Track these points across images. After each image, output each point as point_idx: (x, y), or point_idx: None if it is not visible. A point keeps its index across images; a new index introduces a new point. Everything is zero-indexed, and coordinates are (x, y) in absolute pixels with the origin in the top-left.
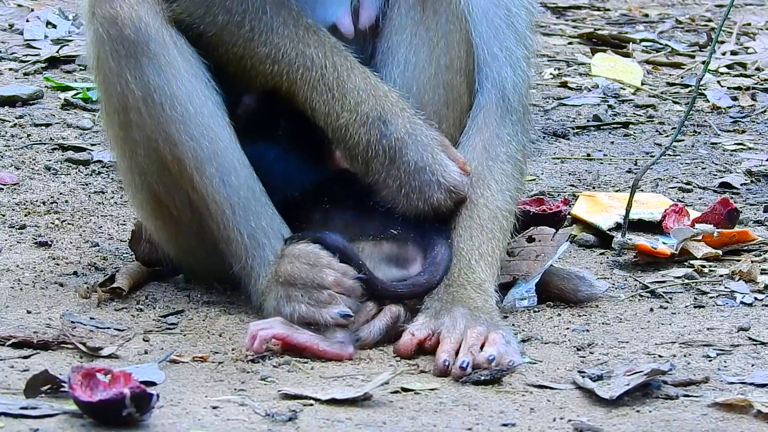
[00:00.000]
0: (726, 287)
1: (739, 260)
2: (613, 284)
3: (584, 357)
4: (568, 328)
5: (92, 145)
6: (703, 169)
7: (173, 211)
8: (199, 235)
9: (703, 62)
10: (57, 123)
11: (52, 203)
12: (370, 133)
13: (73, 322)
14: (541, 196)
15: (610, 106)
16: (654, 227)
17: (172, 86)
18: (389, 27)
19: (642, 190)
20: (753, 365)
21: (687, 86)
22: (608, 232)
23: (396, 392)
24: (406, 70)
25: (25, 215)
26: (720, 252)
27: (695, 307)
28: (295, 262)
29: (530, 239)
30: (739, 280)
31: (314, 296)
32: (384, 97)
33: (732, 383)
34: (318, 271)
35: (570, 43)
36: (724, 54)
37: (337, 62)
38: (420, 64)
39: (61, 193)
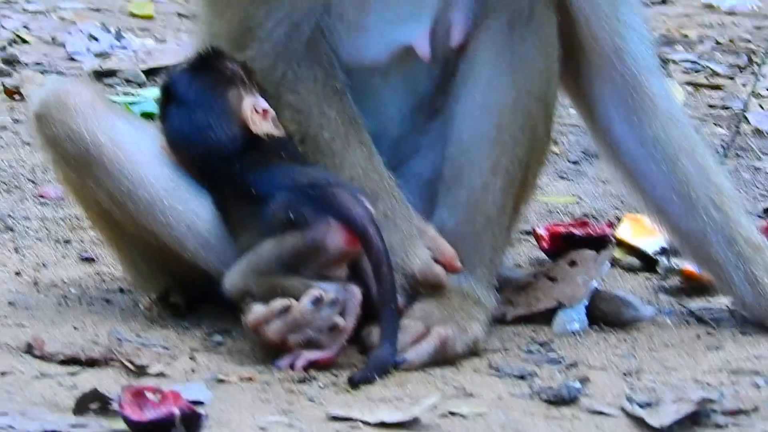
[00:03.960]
0: None
1: None
2: (659, 309)
3: (632, 383)
4: (614, 354)
5: None
6: (746, 193)
7: (196, 279)
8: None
9: (744, 84)
10: None
11: None
12: None
13: (119, 339)
14: (586, 219)
15: None
16: None
17: (123, 182)
18: (474, 47)
19: None
20: None
21: (728, 108)
22: (653, 256)
23: (444, 416)
24: (488, 91)
25: (70, 230)
26: None
27: (742, 334)
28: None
29: (572, 263)
30: None
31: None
32: (379, 180)
33: None
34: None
35: None
36: (764, 76)
37: (350, 133)
38: (502, 87)
39: None
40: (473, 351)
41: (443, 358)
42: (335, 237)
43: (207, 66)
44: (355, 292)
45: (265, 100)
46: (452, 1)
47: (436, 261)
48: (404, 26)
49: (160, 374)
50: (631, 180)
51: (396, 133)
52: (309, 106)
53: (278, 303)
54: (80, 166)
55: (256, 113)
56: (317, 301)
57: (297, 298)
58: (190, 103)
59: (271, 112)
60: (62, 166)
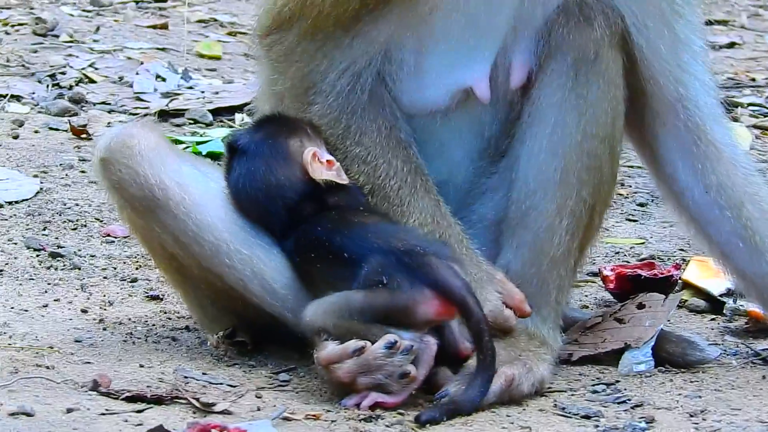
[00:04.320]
0: None
1: None
2: (725, 350)
3: (697, 423)
4: (680, 394)
5: None
6: None
7: (261, 320)
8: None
9: None
10: None
11: None
12: None
13: (185, 377)
14: (652, 261)
15: None
16: None
17: (189, 225)
18: (539, 89)
19: None
20: None
21: None
22: (719, 297)
23: None
24: (554, 134)
25: (136, 268)
26: None
27: None
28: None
29: (640, 306)
30: None
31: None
32: (447, 227)
33: None
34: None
35: None
36: None
37: (416, 181)
38: (568, 129)
39: None
40: (539, 391)
41: (509, 398)
42: (428, 307)
43: (270, 121)
44: (431, 343)
45: (333, 154)
46: (512, 43)
47: (506, 305)
48: (463, 69)
49: (226, 412)
50: (696, 225)
51: (462, 178)
52: (375, 156)
53: (352, 343)
54: (145, 210)
55: (319, 162)
56: (391, 347)
57: (372, 342)
58: (252, 152)
59: (336, 163)
60: (127, 210)
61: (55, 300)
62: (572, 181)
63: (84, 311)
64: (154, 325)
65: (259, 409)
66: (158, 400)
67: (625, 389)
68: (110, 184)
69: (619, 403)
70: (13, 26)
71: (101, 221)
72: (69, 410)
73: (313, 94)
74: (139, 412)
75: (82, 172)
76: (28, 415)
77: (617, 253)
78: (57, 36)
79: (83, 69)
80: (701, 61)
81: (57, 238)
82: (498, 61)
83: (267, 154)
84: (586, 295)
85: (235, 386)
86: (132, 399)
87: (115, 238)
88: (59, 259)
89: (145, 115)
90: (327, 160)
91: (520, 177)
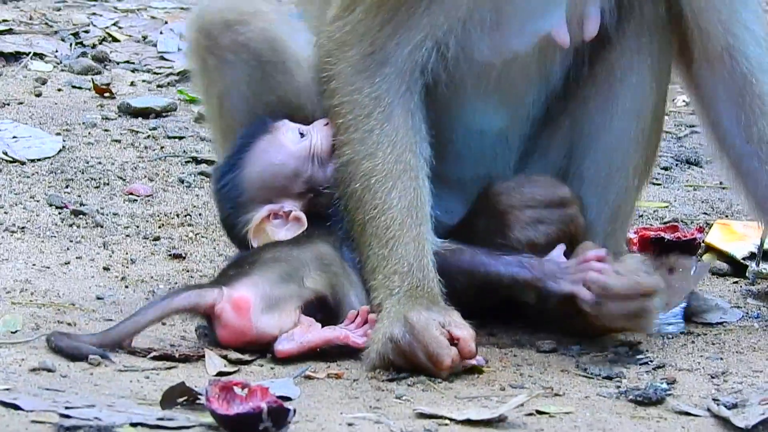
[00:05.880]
0: None
1: None
2: (747, 313)
3: (718, 385)
4: (702, 356)
5: None
6: None
7: None
8: None
9: None
10: (190, 136)
11: (185, 216)
12: (385, 291)
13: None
14: (676, 224)
15: None
16: None
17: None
18: (621, 49)
19: None
20: None
21: None
22: (742, 260)
23: (531, 414)
24: (636, 94)
25: (159, 227)
26: None
27: None
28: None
29: (671, 270)
30: None
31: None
32: (421, 278)
33: None
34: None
35: None
36: None
37: (408, 223)
38: (646, 92)
39: (194, 206)
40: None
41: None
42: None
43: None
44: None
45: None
46: None
47: (452, 341)
48: (542, 16)
49: (248, 370)
50: (735, 174)
51: (522, 128)
52: (384, 180)
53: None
54: (266, 72)
55: (273, 219)
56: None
57: None
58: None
59: (298, 214)
60: (241, 68)
61: (77, 257)
62: (644, 142)
63: (106, 269)
64: (176, 283)
65: (282, 368)
66: (179, 358)
67: (647, 351)
68: (231, 42)
69: (640, 364)
70: None
71: (124, 180)
72: (90, 366)
73: (368, 76)
74: (160, 369)
75: (105, 130)
76: (49, 370)
77: (641, 216)
78: None
79: (107, 28)
80: (753, 10)
81: (79, 196)
82: (572, 8)
83: (230, 201)
84: None
85: None
86: (154, 356)
87: (138, 196)
88: (81, 216)
89: (169, 74)
90: (285, 212)
91: (603, 137)
